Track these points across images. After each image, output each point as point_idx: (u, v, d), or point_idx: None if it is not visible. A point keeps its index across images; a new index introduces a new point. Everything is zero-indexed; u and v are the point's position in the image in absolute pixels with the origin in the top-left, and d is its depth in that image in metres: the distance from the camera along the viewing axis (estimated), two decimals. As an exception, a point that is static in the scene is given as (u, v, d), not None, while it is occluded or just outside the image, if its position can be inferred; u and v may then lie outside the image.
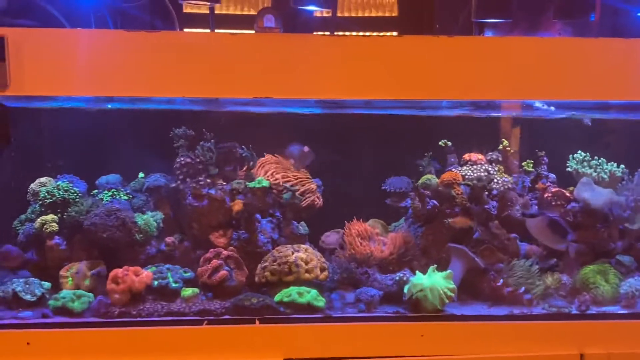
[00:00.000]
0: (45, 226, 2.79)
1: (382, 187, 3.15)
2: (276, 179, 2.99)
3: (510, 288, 2.80)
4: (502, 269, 2.88)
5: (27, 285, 2.69)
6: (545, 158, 3.19)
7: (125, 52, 2.52)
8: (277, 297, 2.69)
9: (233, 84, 2.57)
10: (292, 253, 2.81)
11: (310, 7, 3.00)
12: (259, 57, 2.56)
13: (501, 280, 2.82)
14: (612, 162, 3.14)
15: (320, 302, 2.69)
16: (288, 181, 3.00)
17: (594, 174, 3.10)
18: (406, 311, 2.72)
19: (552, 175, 3.17)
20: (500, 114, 3.17)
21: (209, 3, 2.96)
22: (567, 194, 3.06)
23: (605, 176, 3.09)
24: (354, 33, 3.66)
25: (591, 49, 2.70)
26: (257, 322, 2.62)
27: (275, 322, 2.62)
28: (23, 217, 2.93)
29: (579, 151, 3.17)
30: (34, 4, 2.94)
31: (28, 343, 2.50)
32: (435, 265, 2.80)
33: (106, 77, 2.52)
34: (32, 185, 2.96)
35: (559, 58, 2.66)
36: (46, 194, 2.85)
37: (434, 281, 2.73)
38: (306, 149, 3.01)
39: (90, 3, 3.06)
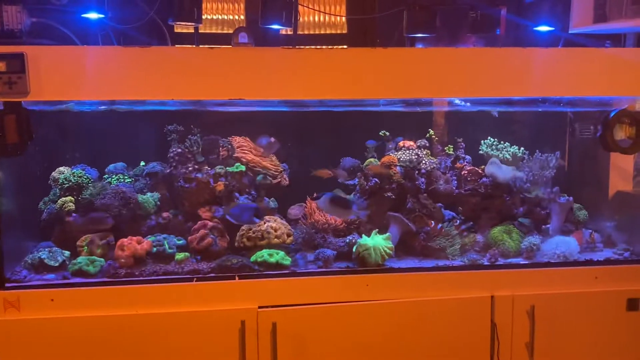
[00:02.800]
0: (64, 206, 2.74)
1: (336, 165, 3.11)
2: (251, 159, 2.94)
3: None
4: (429, 232, 2.87)
5: (51, 254, 2.64)
6: (462, 144, 3.17)
7: (124, 63, 2.47)
8: (252, 258, 2.68)
9: (213, 87, 2.53)
10: (264, 223, 2.79)
11: (275, 26, 2.93)
12: (234, 67, 2.53)
13: (439, 225, 2.82)
14: (515, 146, 3.14)
15: (287, 261, 2.68)
16: (258, 162, 2.95)
17: (500, 155, 3.10)
18: (355, 266, 2.72)
19: (468, 157, 3.15)
20: (427, 109, 3.15)
21: (193, 24, 2.89)
22: (480, 172, 3.05)
23: (509, 157, 3.08)
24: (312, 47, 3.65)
25: (497, 56, 2.70)
26: (237, 278, 2.60)
27: (251, 277, 2.61)
28: (46, 199, 2.86)
29: (489, 137, 3.17)
30: (52, 26, 2.85)
31: (52, 299, 2.46)
32: (377, 230, 2.80)
33: (109, 84, 2.46)
34: (53, 173, 2.88)
35: (472, 64, 2.66)
36: (64, 180, 2.79)
37: (376, 242, 2.73)
38: (272, 139, 2.96)
39: (97, 25, 2.97)
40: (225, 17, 3.59)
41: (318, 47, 3.57)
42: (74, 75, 2.43)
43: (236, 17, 3.59)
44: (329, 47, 3.60)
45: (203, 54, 2.53)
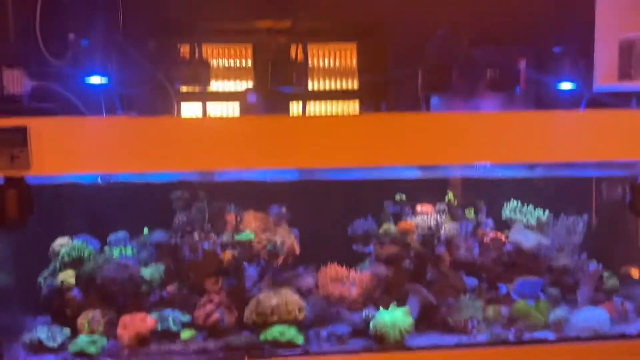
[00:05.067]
0: (64, 281, 2.75)
1: (349, 230, 3.10)
2: (259, 235, 2.95)
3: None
4: (451, 303, 2.86)
5: (50, 333, 2.63)
6: (483, 207, 3.17)
7: (129, 134, 2.51)
8: (262, 336, 2.66)
9: (221, 158, 2.55)
10: (274, 296, 2.78)
11: (284, 88, 2.98)
12: (242, 136, 2.55)
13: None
14: (539, 209, 3.14)
15: (299, 338, 2.66)
16: (269, 235, 2.96)
17: (524, 219, 3.10)
18: (372, 343, 2.69)
19: (490, 222, 3.15)
20: (446, 172, 3.16)
21: (202, 86, 2.95)
22: (503, 238, 3.05)
23: (533, 222, 3.09)
24: (322, 101, 3.69)
25: (517, 119, 2.72)
26: (247, 358, 2.58)
27: (262, 357, 2.58)
28: (46, 273, 2.87)
29: (512, 200, 3.17)
30: (54, 90, 2.90)
31: (52, 384, 2.46)
32: (395, 303, 2.78)
33: (113, 156, 2.49)
34: (53, 245, 2.90)
35: (491, 128, 2.68)
36: (64, 254, 2.81)
37: (394, 317, 2.71)
38: (283, 209, 2.98)
39: (100, 88, 3.02)
40: (232, 63, 3.65)
41: (330, 102, 3.64)
42: (77, 148, 2.46)
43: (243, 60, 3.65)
44: (342, 102, 3.66)
45: (211, 124, 2.57)
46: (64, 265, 2.80)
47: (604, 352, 2.72)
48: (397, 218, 3.12)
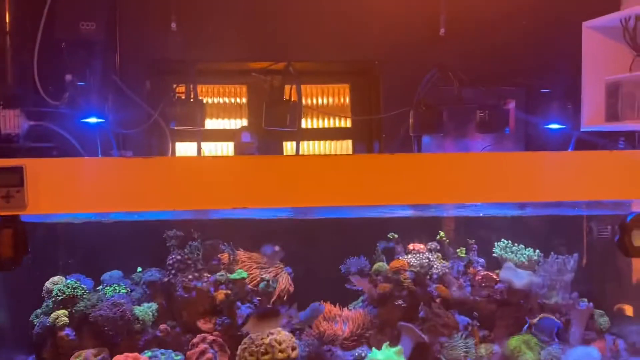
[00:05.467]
0: (57, 320, 2.76)
1: (341, 268, 3.12)
2: (251, 273, 2.98)
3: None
4: (444, 342, 2.87)
5: (43, 374, 2.64)
6: (475, 246, 3.21)
7: (124, 174, 2.53)
8: (255, 375, 2.67)
9: (216, 197, 2.58)
10: (268, 335, 2.78)
11: (278, 129, 3.04)
12: (237, 175, 2.59)
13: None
14: (530, 248, 3.18)
15: (292, 377, 2.68)
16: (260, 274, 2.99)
17: (515, 258, 3.13)
18: (365, 383, 2.71)
19: (482, 260, 3.18)
20: (436, 211, 3.20)
21: (196, 126, 3.00)
22: (494, 277, 3.07)
23: (524, 260, 3.12)
24: (315, 142, 3.75)
25: (507, 160, 2.77)
26: (239, 398, 2.59)
27: (254, 397, 2.59)
28: (39, 311, 2.88)
29: (502, 239, 3.21)
30: (50, 130, 2.95)
31: None
32: (388, 342, 2.79)
33: (108, 196, 2.51)
34: (47, 284, 2.92)
35: (481, 169, 2.73)
36: (58, 292, 2.82)
37: (387, 356, 2.72)
38: (277, 248, 3.01)
39: (96, 128, 3.08)
40: (227, 103, 3.72)
41: (323, 142, 3.71)
42: (73, 188, 2.49)
43: (238, 100, 3.72)
44: (335, 141, 3.73)
45: (207, 164, 2.61)
46: (57, 304, 2.82)
47: (596, 391, 2.73)
48: (390, 257, 3.15)
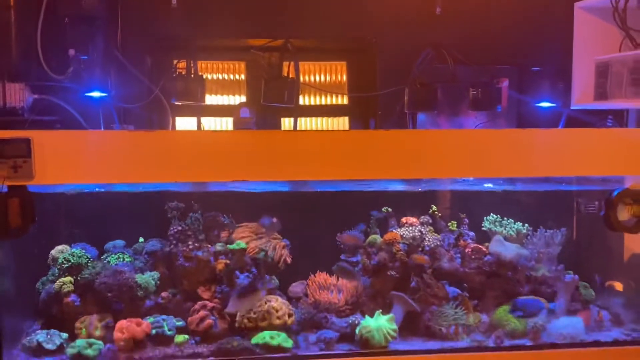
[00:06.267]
0: (62, 287, 2.86)
1: (337, 239, 3.23)
2: (250, 244, 3.09)
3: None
4: (435, 311, 2.99)
5: (49, 337, 2.74)
6: (465, 220, 3.31)
7: (128, 147, 2.63)
8: (253, 340, 2.77)
9: (216, 170, 2.68)
10: (265, 303, 2.90)
11: (276, 104, 3.12)
12: (237, 149, 2.69)
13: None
14: (519, 222, 3.28)
15: (289, 343, 2.78)
16: (260, 244, 3.09)
17: (504, 231, 3.24)
18: (358, 348, 2.81)
19: (472, 233, 3.29)
20: (429, 186, 3.30)
21: (197, 102, 3.08)
22: (484, 249, 3.18)
23: (513, 233, 3.23)
24: (312, 118, 3.83)
25: (499, 136, 2.88)
26: (238, 361, 2.70)
27: (253, 361, 2.70)
28: (44, 279, 2.98)
29: (492, 214, 3.31)
30: (54, 103, 3.03)
31: (50, 385, 2.57)
32: (381, 310, 2.91)
33: (113, 168, 2.61)
34: (52, 252, 3.02)
35: (474, 145, 2.83)
36: (63, 260, 2.92)
37: (379, 323, 2.84)
38: (275, 219, 3.11)
39: (99, 102, 3.15)
40: (226, 79, 3.79)
41: (320, 118, 3.79)
42: (78, 159, 2.59)
43: (237, 79, 3.80)
44: (332, 118, 3.81)
45: (206, 138, 2.70)
46: (63, 272, 2.91)
47: (579, 358, 2.86)
48: (383, 229, 3.26)
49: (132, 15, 3.36)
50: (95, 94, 3.09)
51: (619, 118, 3.29)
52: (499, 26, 3.51)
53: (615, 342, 2.94)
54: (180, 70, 3.07)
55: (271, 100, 3.13)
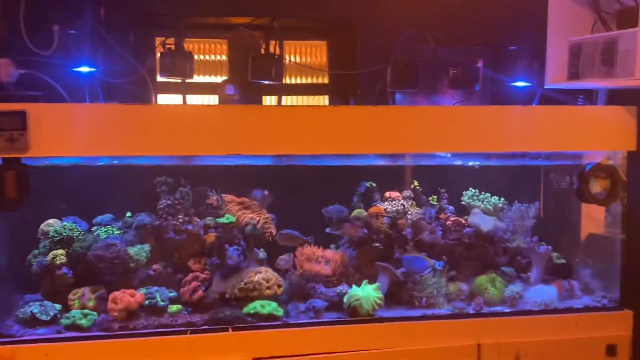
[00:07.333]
0: (55, 259, 2.88)
1: (322, 212, 3.31)
2: (239, 216, 3.16)
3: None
4: (417, 280, 3.11)
5: (43, 308, 2.77)
6: (445, 194, 3.44)
7: (120, 120, 2.68)
8: (245, 310, 2.85)
9: (204, 143, 2.75)
10: (255, 274, 2.98)
11: (263, 81, 3.18)
12: (223, 123, 2.76)
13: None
14: (495, 196, 3.42)
15: (279, 312, 2.87)
16: (248, 217, 3.17)
17: (482, 205, 3.38)
18: (345, 316, 2.92)
19: (451, 207, 3.42)
20: (411, 161, 3.42)
21: (185, 77, 3.11)
22: (463, 222, 3.31)
23: (490, 207, 3.37)
24: (293, 97, 3.90)
25: (476, 113, 3.02)
26: (230, 330, 2.77)
27: (245, 329, 2.78)
28: (36, 251, 3.00)
29: (470, 188, 3.45)
30: (40, 78, 3.03)
31: (47, 354, 2.60)
32: (367, 280, 3.01)
33: (102, 141, 2.66)
34: (42, 226, 3.03)
35: (452, 121, 2.95)
36: (54, 233, 2.94)
37: (366, 292, 2.94)
38: (266, 192, 3.19)
39: (83, 77, 3.16)
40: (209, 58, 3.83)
41: (304, 105, 3.84)
42: (72, 132, 2.63)
43: (219, 57, 3.83)
44: (312, 97, 3.88)
45: (195, 111, 2.77)
46: (54, 245, 2.93)
47: (553, 323, 3.02)
48: (368, 203, 3.37)
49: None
50: (83, 69, 3.09)
51: (590, 97, 3.44)
52: (476, 7, 3.62)
53: (586, 309, 3.11)
54: (169, 46, 3.10)
55: (258, 77, 3.18)
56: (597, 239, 3.37)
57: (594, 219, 3.41)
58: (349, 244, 3.22)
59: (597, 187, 3.09)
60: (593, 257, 3.38)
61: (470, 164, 3.33)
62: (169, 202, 3.13)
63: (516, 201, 3.39)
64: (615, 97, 3.28)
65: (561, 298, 3.16)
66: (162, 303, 2.86)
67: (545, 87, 3.34)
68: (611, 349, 3.00)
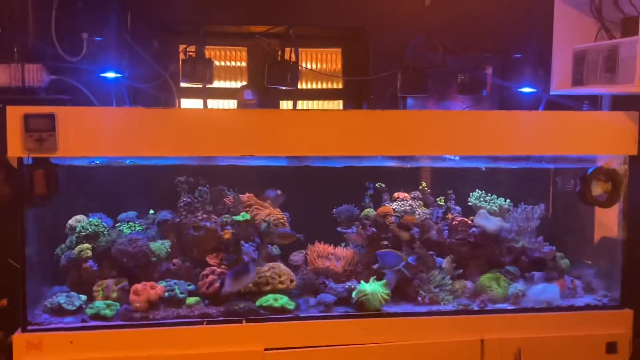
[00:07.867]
0: (81, 252, 3.04)
1: (333, 214, 3.42)
2: (255, 214, 3.30)
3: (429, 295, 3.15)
4: (424, 278, 3.22)
5: (69, 298, 2.94)
6: (452, 195, 3.53)
7: (145, 123, 2.83)
8: (258, 303, 2.98)
9: (223, 145, 2.90)
10: (269, 269, 3.11)
11: (279, 87, 3.32)
12: (243, 126, 2.90)
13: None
14: (501, 198, 3.51)
15: (291, 305, 2.99)
16: (264, 215, 3.30)
17: (488, 207, 3.47)
18: (354, 311, 3.02)
19: (458, 208, 3.51)
20: (419, 164, 3.52)
21: (205, 83, 3.26)
22: (469, 222, 3.40)
23: (496, 208, 3.46)
24: (309, 101, 4.04)
25: (484, 117, 3.12)
26: (244, 321, 2.91)
27: (258, 321, 2.91)
28: (63, 246, 3.16)
29: (477, 190, 3.54)
30: (69, 83, 3.20)
31: (71, 342, 2.76)
32: (375, 277, 3.13)
33: (127, 142, 2.82)
34: (70, 222, 3.19)
35: (461, 125, 3.06)
36: (81, 228, 3.11)
37: (374, 288, 3.05)
38: (279, 192, 3.32)
39: (110, 83, 3.33)
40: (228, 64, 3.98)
41: (318, 109, 3.97)
42: (98, 134, 2.79)
43: (238, 64, 3.98)
44: (327, 101, 4.02)
45: (214, 115, 2.92)
46: (80, 239, 3.09)
47: (555, 321, 3.11)
48: (377, 204, 3.48)
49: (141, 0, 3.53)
50: (110, 74, 3.26)
51: (594, 102, 3.52)
52: (484, 16, 3.73)
53: (587, 307, 3.19)
54: (190, 53, 3.25)
55: (274, 82, 3.32)
56: (603, 240, 3.43)
57: (600, 222, 3.47)
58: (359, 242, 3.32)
59: (598, 190, 3.17)
60: (597, 258, 3.44)
61: (477, 166, 3.42)
62: (189, 200, 3.27)
63: (522, 203, 3.47)
64: (620, 103, 3.36)
65: (563, 297, 3.23)
66: (180, 295, 3.00)
67: (551, 92, 3.43)
68: (611, 347, 3.08)
